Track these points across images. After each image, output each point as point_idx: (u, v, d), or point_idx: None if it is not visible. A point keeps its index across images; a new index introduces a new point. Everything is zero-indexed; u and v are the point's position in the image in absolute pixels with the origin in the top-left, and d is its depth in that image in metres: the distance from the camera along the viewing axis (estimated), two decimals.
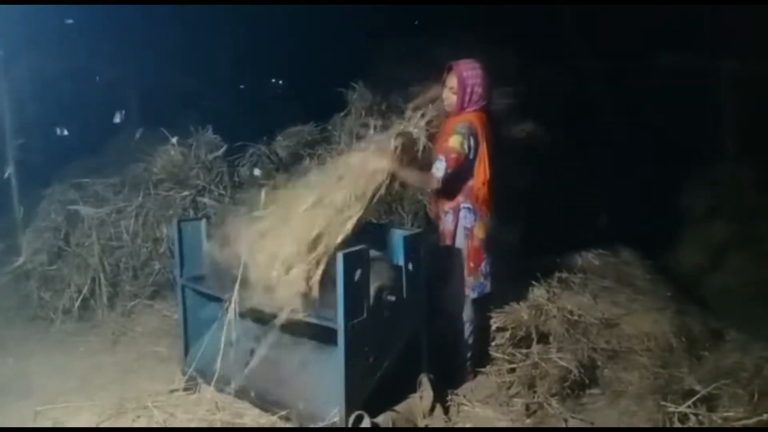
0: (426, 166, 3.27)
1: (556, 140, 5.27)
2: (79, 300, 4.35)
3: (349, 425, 2.67)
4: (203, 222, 3.44)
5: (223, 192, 4.57)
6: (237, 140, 4.83)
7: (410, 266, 2.97)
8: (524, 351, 3.55)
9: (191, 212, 4.48)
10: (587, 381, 3.35)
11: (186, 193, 4.51)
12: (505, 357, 3.56)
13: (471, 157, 3.26)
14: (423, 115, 3.38)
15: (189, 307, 3.42)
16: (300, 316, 2.77)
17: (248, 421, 2.85)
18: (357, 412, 2.69)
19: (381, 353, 2.85)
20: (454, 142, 3.23)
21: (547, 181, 5.00)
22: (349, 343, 2.65)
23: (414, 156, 3.27)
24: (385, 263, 2.94)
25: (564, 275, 4.26)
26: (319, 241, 2.81)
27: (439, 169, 3.22)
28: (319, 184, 3.11)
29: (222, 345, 3.19)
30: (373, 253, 2.94)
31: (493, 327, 3.67)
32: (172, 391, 3.29)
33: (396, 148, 3.15)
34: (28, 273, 4.40)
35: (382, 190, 3.07)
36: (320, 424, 2.71)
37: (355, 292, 2.66)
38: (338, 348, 2.66)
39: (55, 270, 4.42)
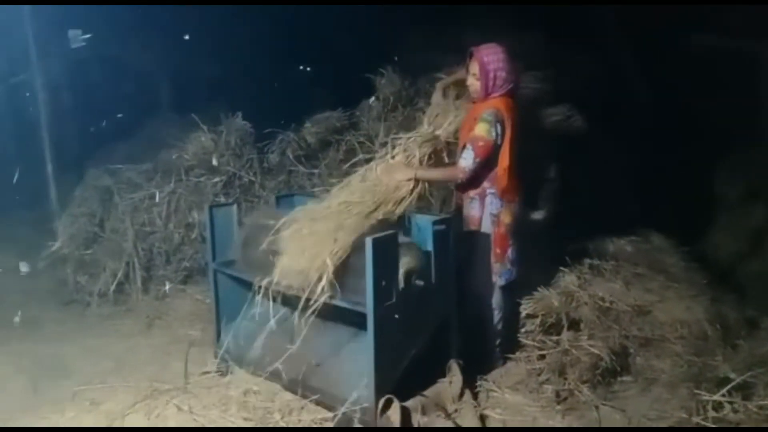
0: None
1: (588, 124, 5.17)
2: (114, 284, 4.44)
3: (378, 409, 2.69)
4: (234, 207, 3.48)
5: (253, 178, 4.60)
6: (266, 127, 4.84)
7: (439, 252, 2.96)
8: (554, 338, 3.52)
9: (222, 198, 4.53)
10: (619, 368, 3.32)
11: (217, 179, 4.55)
12: (535, 344, 3.54)
13: (499, 143, 3.23)
14: (447, 119, 3.38)
15: (221, 292, 3.46)
16: (330, 300, 2.79)
17: (278, 404, 2.88)
18: (386, 396, 2.70)
19: (410, 338, 2.86)
20: (480, 130, 3.19)
21: (579, 166, 4.93)
22: (378, 327, 2.66)
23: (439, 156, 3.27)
24: (415, 248, 2.94)
25: (595, 262, 4.21)
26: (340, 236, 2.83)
27: (467, 159, 3.19)
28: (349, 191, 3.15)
29: (253, 329, 3.28)
30: (402, 238, 2.95)
31: (523, 313, 3.65)
32: (204, 374, 3.36)
33: (421, 159, 3.18)
34: (65, 258, 4.51)
35: (407, 201, 3.11)
36: (350, 408, 2.74)
37: (384, 276, 2.66)
38: (368, 332, 2.67)
39: (91, 255, 4.52)
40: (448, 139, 3.35)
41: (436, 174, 3.27)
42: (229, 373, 3.32)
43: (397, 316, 2.73)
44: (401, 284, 2.77)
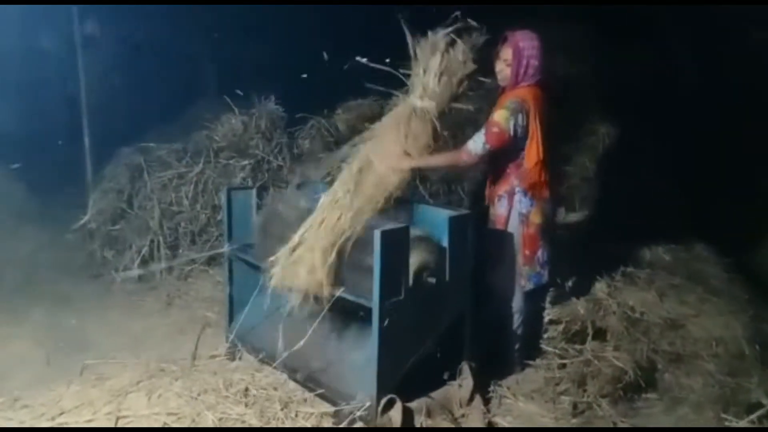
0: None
1: (632, 124, 4.93)
2: (138, 261, 4.47)
3: (380, 408, 2.59)
4: (253, 191, 3.42)
5: (281, 163, 4.55)
6: (299, 112, 4.79)
7: (455, 249, 2.83)
8: (577, 347, 3.35)
9: (250, 181, 4.49)
10: (643, 384, 3.13)
11: (245, 162, 4.52)
12: (557, 351, 3.38)
13: (519, 136, 3.05)
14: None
15: (235, 275, 3.42)
16: (335, 292, 2.71)
17: (281, 394, 2.80)
18: (389, 396, 2.60)
19: (419, 336, 2.75)
20: (499, 116, 3.02)
21: (619, 168, 4.70)
22: (383, 323, 2.55)
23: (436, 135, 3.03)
24: (430, 244, 2.81)
25: (629, 269, 3.99)
26: (336, 228, 2.74)
27: (477, 142, 3.02)
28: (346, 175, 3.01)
29: (263, 316, 3.23)
30: (417, 233, 2.83)
31: (546, 319, 3.50)
32: (213, 357, 3.32)
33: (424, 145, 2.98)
34: (93, 232, 4.56)
35: (399, 188, 2.93)
36: (352, 405, 2.65)
37: (392, 271, 2.55)
38: (372, 327, 2.57)
39: (118, 231, 4.56)
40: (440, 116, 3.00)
41: (439, 160, 3.06)
42: (238, 359, 3.28)
43: (404, 312, 2.62)
44: (411, 280, 2.66)
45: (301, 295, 2.72)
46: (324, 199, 2.92)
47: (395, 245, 2.55)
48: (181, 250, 4.60)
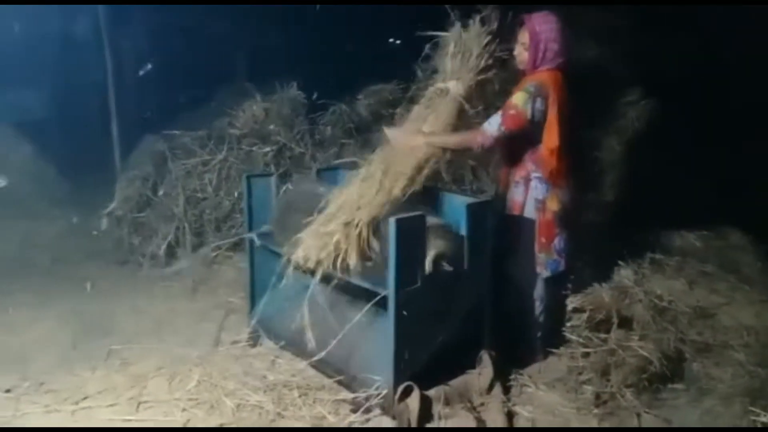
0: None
1: (665, 109, 4.77)
2: (164, 247, 4.52)
3: (397, 396, 2.57)
4: (273, 178, 3.42)
5: (303, 150, 4.54)
6: (321, 97, 4.76)
7: (473, 236, 2.78)
8: (602, 335, 3.28)
9: (272, 168, 4.49)
10: (669, 374, 3.05)
11: (267, 149, 4.52)
12: (580, 340, 3.30)
13: (536, 120, 2.98)
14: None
15: (256, 262, 3.44)
16: (351, 279, 2.70)
17: (299, 380, 2.83)
18: (406, 384, 2.59)
19: (436, 324, 2.72)
20: (516, 98, 2.95)
21: (650, 152, 4.56)
22: (399, 312, 2.53)
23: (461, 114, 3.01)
24: (448, 232, 2.77)
25: (657, 256, 3.90)
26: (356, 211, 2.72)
27: (492, 124, 2.95)
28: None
29: (283, 302, 3.23)
30: (435, 220, 2.80)
31: (570, 307, 3.42)
32: (234, 343, 3.35)
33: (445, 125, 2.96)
34: (120, 219, 4.63)
35: (425, 171, 2.90)
36: (369, 392, 2.64)
37: (408, 259, 2.52)
38: (388, 315, 2.55)
39: (144, 217, 4.62)
40: (465, 96, 3.01)
41: (452, 139, 2.99)
42: (259, 345, 3.30)
43: (421, 300, 2.60)
44: (428, 268, 2.62)
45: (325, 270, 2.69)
46: (358, 175, 2.92)
47: (411, 233, 2.52)
48: (205, 237, 4.63)
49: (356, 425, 2.57)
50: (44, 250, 4.79)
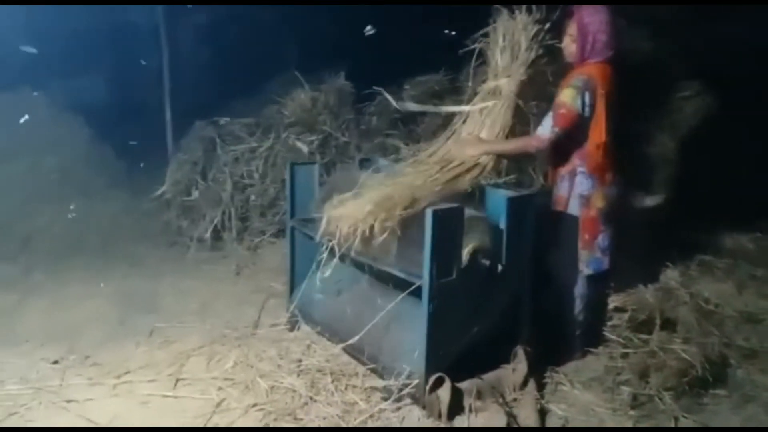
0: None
1: (721, 105, 4.59)
2: (210, 231, 4.63)
3: (428, 386, 2.58)
4: (316, 166, 3.47)
5: (348, 139, 4.57)
6: (368, 86, 4.77)
7: (513, 231, 2.76)
8: (643, 336, 3.21)
9: (317, 157, 4.54)
10: (711, 379, 2.95)
11: (313, 137, 4.57)
12: (620, 340, 3.24)
13: (586, 115, 2.92)
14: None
15: (297, 248, 3.49)
16: (386, 268, 2.72)
17: (333, 366, 2.86)
18: (437, 375, 2.59)
19: (471, 318, 2.71)
20: (565, 96, 2.91)
21: (705, 149, 4.40)
22: (433, 303, 2.53)
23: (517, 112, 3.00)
24: (485, 225, 2.75)
25: (707, 258, 3.78)
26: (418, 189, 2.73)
27: (545, 127, 2.94)
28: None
29: (321, 288, 3.28)
30: (474, 213, 2.78)
31: (611, 306, 3.36)
32: (273, 326, 3.42)
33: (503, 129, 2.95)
34: (169, 202, 4.77)
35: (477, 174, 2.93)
36: (401, 381, 2.65)
37: (444, 251, 2.52)
38: (422, 306, 2.56)
39: (192, 201, 4.74)
40: (517, 93, 3.02)
41: (509, 146, 3.02)
42: (297, 329, 3.36)
43: (455, 293, 2.59)
44: (464, 261, 2.61)
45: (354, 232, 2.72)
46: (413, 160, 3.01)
47: (448, 225, 2.51)
48: (251, 223, 4.72)
49: (387, 413, 2.58)
50: (98, 230, 4.97)
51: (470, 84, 4.58)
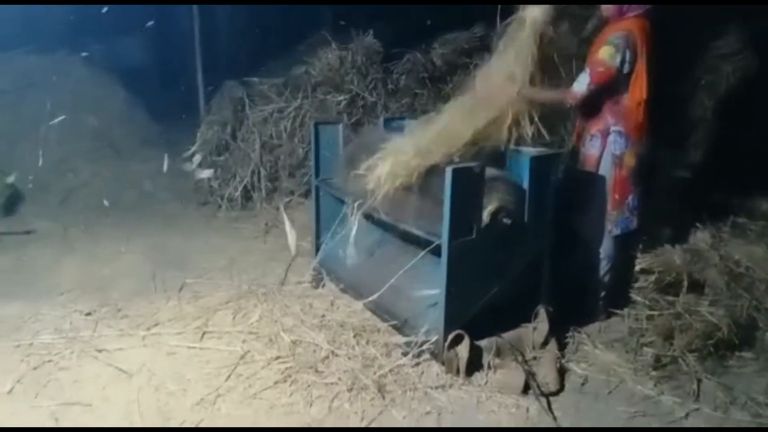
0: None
1: (762, 63, 4.39)
2: (240, 190, 4.70)
3: (446, 343, 2.61)
4: (340, 126, 3.47)
5: (375, 99, 4.54)
6: (396, 45, 4.71)
7: (536, 190, 2.73)
8: (669, 298, 3.17)
9: (345, 117, 4.52)
10: (738, 342, 2.90)
11: (341, 97, 4.55)
12: (646, 302, 3.21)
13: (625, 72, 2.84)
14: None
15: (322, 207, 3.53)
16: (406, 227, 2.73)
17: (355, 322, 2.91)
18: (456, 332, 2.61)
19: (492, 276, 2.70)
20: (603, 53, 2.82)
21: (743, 110, 4.24)
22: (452, 262, 2.54)
23: (548, 68, 2.91)
24: (509, 184, 2.73)
25: (740, 220, 3.68)
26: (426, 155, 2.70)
27: (581, 83, 2.85)
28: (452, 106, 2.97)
29: (344, 246, 3.31)
30: (497, 172, 2.76)
31: (638, 267, 3.32)
32: (298, 283, 3.48)
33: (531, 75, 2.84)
34: (200, 162, 4.84)
35: (506, 124, 2.83)
36: (420, 338, 2.69)
37: (464, 209, 2.51)
38: (441, 264, 2.57)
39: (223, 161, 4.80)
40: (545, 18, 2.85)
41: (543, 95, 2.88)
42: (321, 286, 3.41)
43: (475, 252, 2.59)
44: (485, 220, 2.60)
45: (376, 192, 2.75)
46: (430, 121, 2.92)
47: (468, 184, 2.50)
48: (280, 182, 4.77)
49: (406, 368, 2.62)
50: (133, 189, 5.10)
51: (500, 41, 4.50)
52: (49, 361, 2.59)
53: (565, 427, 2.37)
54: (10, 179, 4.68)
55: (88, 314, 3.00)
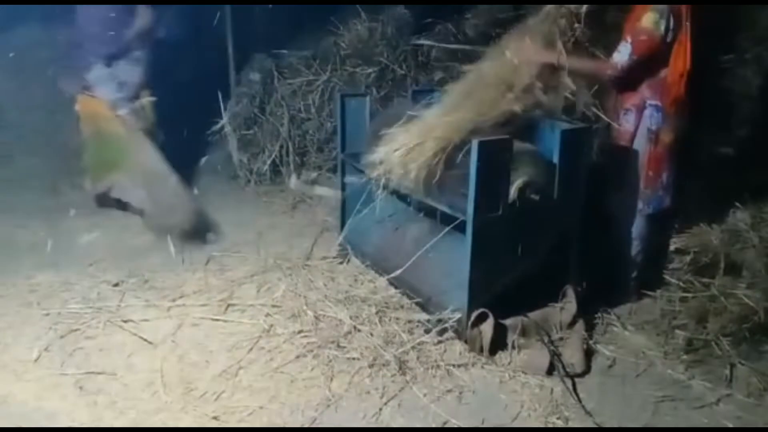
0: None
1: None
2: (268, 164, 4.69)
3: (470, 321, 2.57)
4: (367, 99, 3.41)
5: (404, 72, 4.45)
6: (428, 15, 4.58)
7: (566, 165, 2.64)
8: (704, 280, 3.06)
9: (374, 90, 4.44)
10: None
11: (370, 70, 4.47)
12: (680, 283, 3.12)
13: (668, 40, 2.71)
14: None
15: (348, 182, 3.49)
16: (431, 202, 2.68)
17: (378, 298, 2.89)
18: (480, 310, 2.57)
19: (518, 254, 2.64)
20: (647, 20, 2.69)
21: None
22: (477, 238, 2.49)
23: (581, 38, 2.77)
24: (536, 158, 2.65)
25: None
26: (452, 128, 2.61)
27: (623, 53, 2.73)
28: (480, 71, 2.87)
29: (370, 222, 3.28)
30: (525, 146, 2.68)
31: (672, 248, 3.21)
32: (324, 258, 3.47)
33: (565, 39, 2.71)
34: (229, 136, 4.82)
35: (540, 83, 2.69)
36: (443, 315, 2.65)
37: (490, 184, 2.45)
38: (466, 241, 2.51)
39: (252, 135, 4.78)
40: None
41: (582, 63, 2.73)
42: (346, 262, 3.39)
43: (501, 228, 2.53)
44: (512, 195, 2.53)
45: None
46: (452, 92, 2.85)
47: (495, 158, 2.43)
48: (308, 157, 4.74)
49: (428, 346, 2.60)
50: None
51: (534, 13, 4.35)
52: (77, 330, 2.64)
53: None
54: None
55: (116, 285, 3.05)
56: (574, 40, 2.68)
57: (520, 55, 2.71)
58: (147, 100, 4.18)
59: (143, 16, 3.99)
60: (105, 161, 4.08)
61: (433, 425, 2.22)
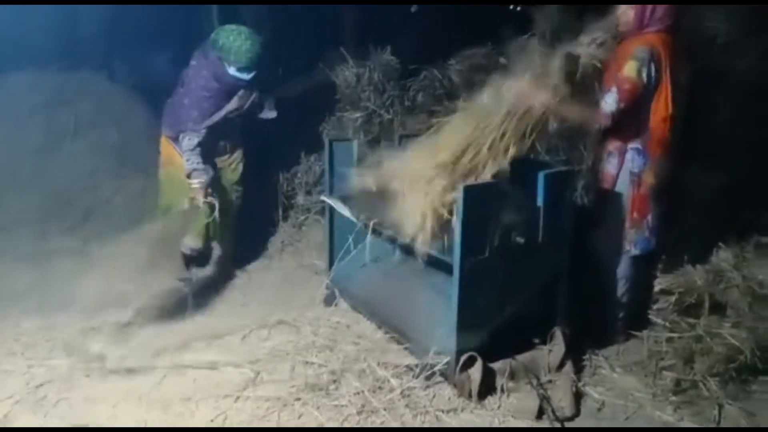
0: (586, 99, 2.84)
1: None
2: None
3: (458, 366, 2.56)
4: (355, 143, 3.46)
5: (391, 117, 4.52)
6: (414, 62, 4.69)
7: (550, 208, 2.68)
8: (690, 320, 3.08)
9: (361, 135, 4.50)
10: (761, 366, 2.81)
11: (357, 114, 4.54)
12: (666, 324, 3.15)
13: (650, 87, 2.79)
14: (596, 40, 2.89)
15: (336, 225, 3.50)
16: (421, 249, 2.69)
17: (366, 345, 2.87)
18: (469, 354, 2.57)
19: (505, 297, 2.66)
20: (629, 69, 2.78)
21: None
22: (464, 281, 2.50)
23: (579, 86, 2.83)
24: (523, 202, 2.68)
25: (765, 239, 3.56)
26: (452, 172, 2.64)
27: (609, 103, 2.81)
28: (476, 114, 2.91)
29: (357, 264, 3.29)
30: (510, 189, 2.72)
31: (657, 288, 3.26)
32: (311, 302, 3.47)
33: (561, 73, 2.74)
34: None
35: (540, 127, 2.72)
36: (431, 360, 2.64)
37: (476, 228, 2.47)
38: (452, 284, 2.53)
39: None
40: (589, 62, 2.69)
41: (572, 111, 2.72)
42: (334, 305, 3.38)
43: (488, 271, 2.55)
44: (498, 239, 2.56)
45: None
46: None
47: (481, 202, 2.46)
48: (296, 200, 4.76)
49: (417, 391, 2.58)
50: (155, 205, 5.14)
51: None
52: (60, 379, 2.60)
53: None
54: None
55: (102, 331, 3.01)
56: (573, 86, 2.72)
57: (519, 97, 2.68)
58: None
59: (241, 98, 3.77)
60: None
61: None
